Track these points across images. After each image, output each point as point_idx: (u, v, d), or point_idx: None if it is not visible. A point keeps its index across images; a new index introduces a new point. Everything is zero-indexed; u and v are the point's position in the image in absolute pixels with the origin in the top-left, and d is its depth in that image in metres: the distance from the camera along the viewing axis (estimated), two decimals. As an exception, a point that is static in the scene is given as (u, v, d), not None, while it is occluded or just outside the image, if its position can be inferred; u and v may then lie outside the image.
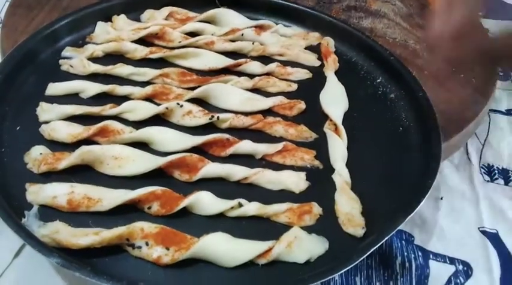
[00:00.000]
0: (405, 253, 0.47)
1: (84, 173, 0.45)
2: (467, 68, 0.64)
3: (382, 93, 0.57)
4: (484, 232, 0.50)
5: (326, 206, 0.45)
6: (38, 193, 0.42)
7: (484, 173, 0.56)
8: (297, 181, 0.46)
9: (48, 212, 0.41)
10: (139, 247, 0.40)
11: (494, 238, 0.50)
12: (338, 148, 0.49)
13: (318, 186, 0.46)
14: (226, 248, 0.40)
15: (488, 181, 0.56)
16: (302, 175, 0.47)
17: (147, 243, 0.40)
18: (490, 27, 0.76)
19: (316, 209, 0.44)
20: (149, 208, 0.43)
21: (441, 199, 0.53)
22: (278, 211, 0.43)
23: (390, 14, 0.73)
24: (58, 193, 0.42)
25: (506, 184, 0.55)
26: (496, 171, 0.57)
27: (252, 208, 0.43)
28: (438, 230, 0.50)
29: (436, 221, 0.51)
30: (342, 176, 0.47)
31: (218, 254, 0.40)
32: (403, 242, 0.48)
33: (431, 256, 0.47)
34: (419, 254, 0.47)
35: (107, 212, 0.42)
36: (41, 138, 0.47)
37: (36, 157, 0.45)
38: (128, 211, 0.42)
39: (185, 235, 0.41)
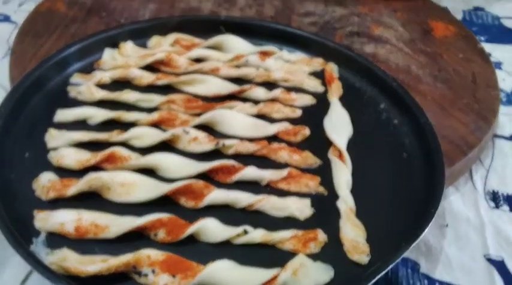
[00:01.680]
0: (411, 281, 0.47)
1: (91, 200, 0.45)
2: (470, 94, 0.64)
3: (386, 119, 0.57)
4: (489, 260, 0.50)
5: (331, 233, 0.45)
6: (46, 220, 0.42)
7: (489, 199, 0.56)
8: (301, 208, 0.46)
9: (56, 239, 0.42)
10: (146, 275, 0.40)
11: (500, 266, 0.49)
12: (342, 174, 0.49)
13: (323, 213, 0.47)
14: (232, 276, 0.40)
15: (493, 207, 0.55)
16: (307, 201, 0.47)
17: (153, 271, 0.40)
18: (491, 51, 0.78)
19: (321, 236, 0.44)
20: (155, 235, 0.43)
21: (446, 226, 0.53)
22: (283, 238, 0.44)
23: (392, 39, 0.74)
24: (66, 219, 0.42)
25: (511, 210, 0.55)
26: (501, 198, 0.57)
27: (257, 235, 0.43)
28: (444, 258, 0.50)
29: (442, 248, 0.50)
30: (346, 203, 0.47)
31: (224, 281, 0.40)
32: (409, 270, 0.48)
33: (437, 284, 0.47)
34: (425, 282, 0.47)
35: (114, 239, 0.42)
36: (49, 164, 0.48)
37: (45, 183, 0.45)
38: (135, 238, 0.43)
39: (191, 263, 0.41)
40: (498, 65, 0.77)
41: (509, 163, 0.61)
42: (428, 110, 0.57)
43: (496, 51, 0.80)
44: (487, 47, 0.78)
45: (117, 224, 0.43)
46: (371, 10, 0.80)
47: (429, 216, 0.43)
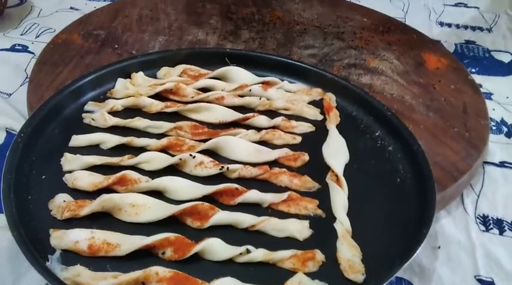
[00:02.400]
0: (404, 300, 0.49)
1: (103, 219, 0.48)
2: (461, 123, 0.68)
3: (381, 146, 0.61)
4: (480, 280, 0.52)
5: (328, 253, 0.48)
6: (61, 238, 0.45)
7: (480, 223, 0.59)
8: (300, 229, 0.49)
9: (70, 256, 0.45)
10: (154, 290, 0.42)
11: (490, 286, 0.52)
12: (339, 198, 0.52)
13: (321, 234, 0.50)
14: (234, 292, 0.43)
15: (483, 230, 0.58)
16: (306, 223, 0.50)
17: (161, 287, 0.42)
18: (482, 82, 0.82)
19: (319, 256, 0.47)
20: (163, 253, 0.46)
21: (439, 248, 0.55)
22: (283, 257, 0.46)
23: (388, 71, 0.78)
24: (80, 238, 0.45)
25: (500, 233, 0.58)
26: (491, 221, 0.59)
27: (258, 254, 0.46)
28: (436, 278, 0.52)
29: (434, 269, 0.53)
30: (343, 224, 0.50)
31: (227, 297, 0.42)
32: (403, 289, 0.51)
33: (429, 303, 0.50)
34: (418, 301, 0.50)
35: (124, 257, 0.45)
36: (64, 186, 0.51)
37: (60, 204, 0.49)
38: (144, 256, 0.46)
39: (196, 280, 0.44)
40: (488, 96, 0.81)
41: (499, 188, 0.63)
42: (421, 138, 0.61)
43: (487, 82, 0.84)
44: (478, 79, 0.83)
45: (127, 243, 0.46)
46: (367, 43, 0.84)
47: (421, 237, 0.46)
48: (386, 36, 0.87)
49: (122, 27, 0.83)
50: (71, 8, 0.97)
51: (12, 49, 0.83)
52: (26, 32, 0.88)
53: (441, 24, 1.02)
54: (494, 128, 0.74)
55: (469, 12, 1.07)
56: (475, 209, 0.61)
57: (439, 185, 0.57)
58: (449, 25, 1.02)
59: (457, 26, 1.02)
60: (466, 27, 1.01)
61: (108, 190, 0.51)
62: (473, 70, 0.87)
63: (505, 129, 0.74)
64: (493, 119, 0.75)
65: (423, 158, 0.56)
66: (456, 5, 1.10)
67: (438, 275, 0.52)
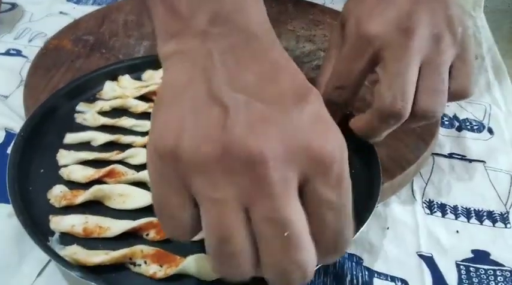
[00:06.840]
0: (354, 272, 0.58)
1: (95, 207, 0.56)
2: (413, 119, 0.76)
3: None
4: (421, 255, 0.61)
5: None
6: (59, 223, 0.53)
7: (425, 207, 0.68)
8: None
9: (67, 238, 0.52)
10: (139, 265, 0.50)
11: (429, 260, 0.60)
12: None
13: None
14: (204, 265, 0.51)
15: (428, 213, 0.67)
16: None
17: (145, 262, 0.50)
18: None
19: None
20: (147, 234, 0.54)
21: (387, 228, 0.64)
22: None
23: (352, 72, 0.86)
24: (75, 223, 0.53)
25: (443, 216, 0.66)
26: (435, 205, 0.68)
27: (228, 234, 0.54)
28: (383, 254, 0.60)
29: (382, 246, 0.61)
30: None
31: (200, 270, 0.50)
32: (354, 263, 0.59)
33: (375, 275, 0.58)
34: (366, 273, 0.58)
35: (114, 238, 0.53)
36: (60, 178, 0.58)
37: (57, 194, 0.56)
38: (130, 237, 0.53)
39: (174, 256, 0.52)
40: (444, 94, 0.89)
41: (445, 176, 0.72)
42: (377, 134, 0.69)
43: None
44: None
45: (116, 226, 0.53)
46: (335, 46, 0.92)
47: (364, 220, 0.54)
48: (353, 39, 0.94)
49: (108, 32, 0.90)
50: (60, 12, 1.02)
51: (7, 53, 0.89)
52: (19, 36, 0.94)
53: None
54: (446, 123, 0.83)
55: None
56: (423, 195, 0.69)
57: (388, 175, 0.65)
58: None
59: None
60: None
61: (99, 181, 0.58)
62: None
63: (456, 124, 0.83)
64: (446, 115, 0.84)
65: (373, 152, 0.64)
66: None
67: (385, 251, 0.61)
